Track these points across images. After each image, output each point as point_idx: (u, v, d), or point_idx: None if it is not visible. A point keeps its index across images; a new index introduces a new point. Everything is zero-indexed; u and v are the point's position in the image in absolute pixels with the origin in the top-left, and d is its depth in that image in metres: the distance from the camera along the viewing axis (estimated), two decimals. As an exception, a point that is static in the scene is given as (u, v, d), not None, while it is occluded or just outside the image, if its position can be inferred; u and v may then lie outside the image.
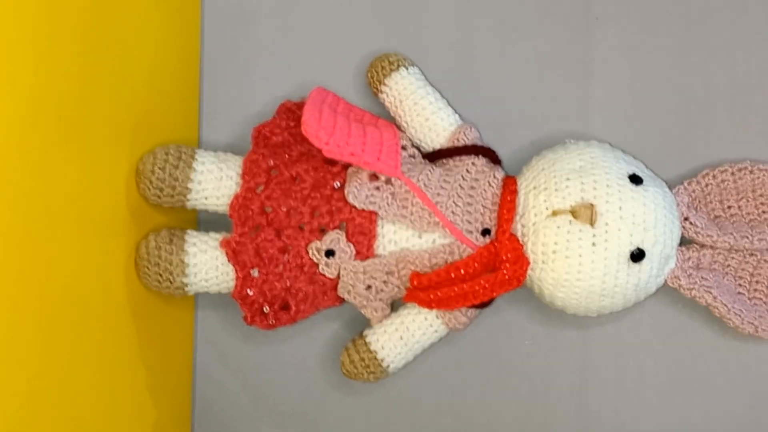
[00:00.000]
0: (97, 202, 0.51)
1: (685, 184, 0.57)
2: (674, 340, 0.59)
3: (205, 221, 0.62)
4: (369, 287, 0.55)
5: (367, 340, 0.57)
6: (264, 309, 0.55)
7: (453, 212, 0.54)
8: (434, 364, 0.61)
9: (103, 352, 0.52)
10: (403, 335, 0.56)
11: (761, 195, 0.57)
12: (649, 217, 0.52)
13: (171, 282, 0.55)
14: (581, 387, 0.60)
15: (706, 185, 0.57)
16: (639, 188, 0.53)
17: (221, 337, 0.62)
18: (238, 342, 0.62)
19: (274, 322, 0.55)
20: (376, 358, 0.56)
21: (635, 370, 0.60)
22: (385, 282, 0.55)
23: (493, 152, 0.57)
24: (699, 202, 0.57)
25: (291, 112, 0.57)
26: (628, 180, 0.53)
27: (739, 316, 0.55)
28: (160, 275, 0.54)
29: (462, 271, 0.53)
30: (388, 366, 0.57)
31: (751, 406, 0.59)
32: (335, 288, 0.55)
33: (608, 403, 0.60)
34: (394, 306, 0.57)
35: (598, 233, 0.52)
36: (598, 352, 0.60)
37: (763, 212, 0.57)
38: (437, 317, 0.56)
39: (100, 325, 0.52)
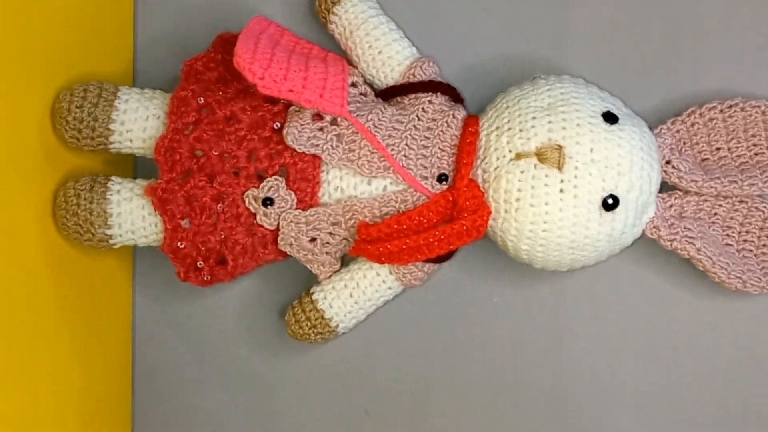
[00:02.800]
0: (10, 144, 0.46)
1: (669, 123, 0.52)
2: (654, 296, 0.55)
3: (144, 167, 0.57)
4: (313, 240, 0.50)
5: (314, 297, 0.52)
6: (198, 264, 0.50)
7: (406, 156, 0.49)
8: (393, 322, 0.57)
9: (27, 313, 0.48)
10: (353, 292, 0.52)
11: (753, 135, 0.51)
12: (624, 159, 0.47)
13: (92, 234, 0.50)
14: (554, 347, 0.56)
15: (692, 124, 0.52)
16: (614, 127, 0.47)
17: (161, 292, 0.58)
18: (180, 297, 0.58)
19: (210, 278, 0.50)
20: (323, 318, 0.52)
21: (612, 328, 0.56)
22: (331, 234, 0.50)
23: (454, 89, 0.51)
24: (684, 143, 0.52)
25: (229, 44, 0.51)
26: (601, 118, 0.47)
27: (725, 269, 0.50)
28: (80, 226, 0.50)
29: (415, 221, 0.48)
30: (336, 326, 0.52)
31: (737, 366, 0.55)
32: (277, 239, 0.49)
33: (584, 364, 0.56)
34: (345, 261, 0.53)
35: (566, 178, 0.47)
36: (572, 309, 0.56)
37: (756, 154, 0.52)
38: (390, 272, 0.51)
39: (22, 284, 0.47)
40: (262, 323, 0.57)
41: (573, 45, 0.54)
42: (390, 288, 0.52)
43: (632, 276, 0.55)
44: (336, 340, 0.55)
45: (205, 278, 0.50)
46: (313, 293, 0.52)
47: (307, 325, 0.52)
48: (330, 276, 0.52)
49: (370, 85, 0.52)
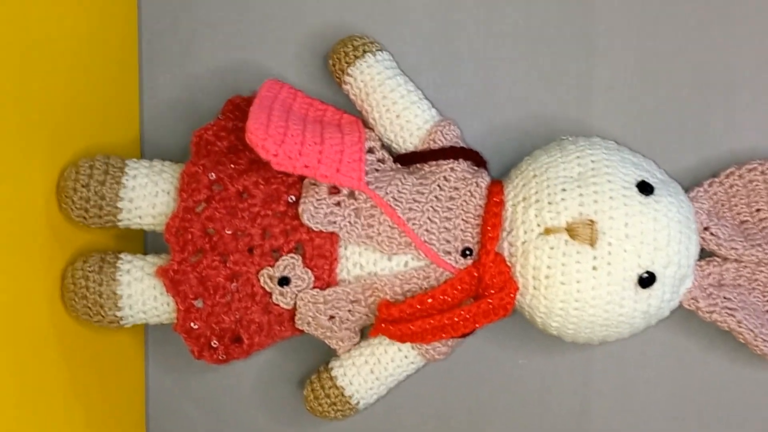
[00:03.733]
0: (16, 221, 0.44)
1: (706, 185, 0.49)
2: (688, 363, 0.53)
3: (155, 239, 0.55)
4: (332, 318, 0.48)
5: (333, 374, 0.50)
6: (212, 343, 0.48)
7: (428, 230, 0.46)
8: (415, 387, 0.54)
9: (38, 392, 0.46)
10: (374, 368, 0.50)
11: (796, 196, 0.49)
12: (661, 234, 0.44)
13: (103, 316, 0.48)
14: (582, 413, 0.54)
15: (731, 186, 0.49)
16: (649, 199, 0.45)
17: (175, 363, 0.56)
18: (194, 369, 0.55)
19: (224, 357, 0.48)
20: (343, 395, 0.50)
21: (643, 395, 0.53)
22: (350, 311, 0.48)
23: (477, 154, 0.49)
24: (722, 206, 0.49)
25: (239, 109, 0.49)
26: (635, 189, 0.45)
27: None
28: (89, 309, 0.48)
29: (439, 300, 0.46)
30: (357, 403, 0.50)
31: None
32: (294, 317, 0.48)
33: (613, 430, 0.54)
34: (364, 332, 0.50)
35: (599, 255, 0.44)
36: (601, 373, 0.54)
37: (798, 216, 0.49)
38: (412, 347, 0.49)
39: (31, 363, 0.46)
40: (279, 394, 0.55)
41: (598, 99, 0.52)
42: (412, 363, 0.50)
43: (665, 340, 0.52)
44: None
45: (220, 357, 0.48)
46: (332, 369, 0.50)
47: (326, 402, 0.50)
48: (349, 350, 0.50)
49: (388, 149, 0.50)
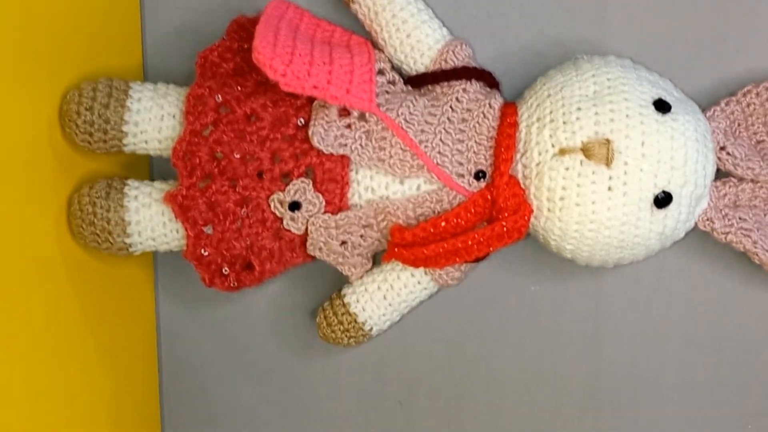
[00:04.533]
0: (19, 148, 0.43)
1: (722, 104, 0.48)
2: (703, 283, 0.52)
3: (162, 165, 0.54)
4: (344, 243, 0.47)
5: (346, 300, 0.49)
6: (223, 270, 0.47)
7: (440, 152, 0.45)
8: (426, 313, 0.54)
9: (49, 322, 0.46)
10: (387, 294, 0.49)
11: (814, 115, 0.48)
12: (678, 152, 0.43)
13: (111, 243, 0.47)
14: (595, 337, 0.53)
15: (748, 105, 0.48)
16: (666, 117, 0.44)
17: (185, 289, 0.55)
18: (205, 297, 0.55)
19: (236, 284, 0.48)
20: (356, 321, 0.49)
21: (656, 318, 0.53)
22: (362, 236, 0.47)
23: (489, 74, 0.48)
24: (739, 125, 0.48)
25: (245, 29, 0.48)
26: (652, 107, 0.44)
27: None
28: (98, 235, 0.47)
29: (452, 224, 0.45)
30: (371, 329, 0.50)
31: None
32: (305, 243, 0.47)
33: (626, 354, 0.53)
34: (377, 258, 0.50)
35: (615, 175, 0.43)
36: (613, 297, 0.53)
37: (816, 135, 0.48)
38: (426, 273, 0.49)
39: (41, 294, 0.45)
40: (292, 322, 0.55)
41: (613, 18, 0.50)
42: (425, 289, 0.49)
43: (679, 263, 0.52)
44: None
45: (232, 284, 0.48)
46: (344, 295, 0.50)
47: (339, 328, 0.50)
48: (362, 276, 0.49)
49: (398, 71, 0.48)
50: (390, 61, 0.48)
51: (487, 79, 0.47)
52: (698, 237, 0.49)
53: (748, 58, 0.49)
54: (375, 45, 0.48)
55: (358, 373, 0.55)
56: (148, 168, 0.54)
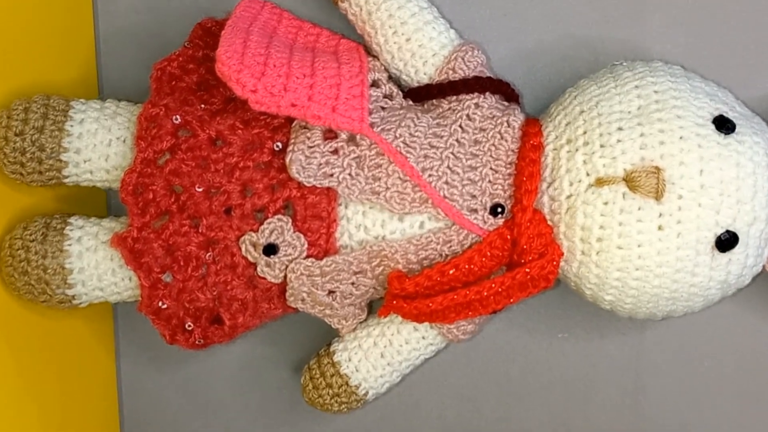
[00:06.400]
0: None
1: None
2: (764, 332, 0.46)
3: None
4: (331, 293, 0.40)
5: (336, 359, 0.43)
6: (186, 325, 0.41)
7: (448, 182, 0.39)
8: (436, 365, 0.48)
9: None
10: (385, 352, 0.43)
11: None
12: (746, 182, 0.37)
13: (50, 295, 0.41)
14: (635, 394, 0.48)
15: (824, 120, 0.40)
16: (730, 139, 0.37)
17: (150, 341, 0.48)
18: (172, 354, 0.48)
19: (202, 341, 0.41)
20: (348, 384, 0.43)
21: (708, 373, 0.48)
22: (353, 284, 0.40)
23: (507, 85, 0.41)
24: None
25: (210, 35, 0.42)
26: (712, 126, 0.37)
27: None
28: (33, 286, 0.41)
29: (464, 270, 0.38)
30: (365, 393, 0.43)
31: None
32: (285, 293, 0.40)
33: (672, 416, 0.48)
34: (373, 306, 0.44)
35: (667, 211, 0.37)
36: (658, 346, 0.48)
37: None
38: (431, 327, 0.42)
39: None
40: (275, 378, 0.49)
41: (655, 15, 0.45)
42: (431, 344, 0.43)
43: (735, 307, 0.46)
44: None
45: (197, 341, 0.41)
46: (334, 353, 0.43)
47: (328, 393, 0.43)
48: (355, 329, 0.42)
49: (397, 82, 0.42)
50: (387, 70, 0.42)
51: (504, 91, 0.41)
52: (761, 278, 0.42)
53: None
54: (369, 51, 0.42)
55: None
56: (105, 200, 0.48)
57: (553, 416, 0.49)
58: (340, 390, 0.43)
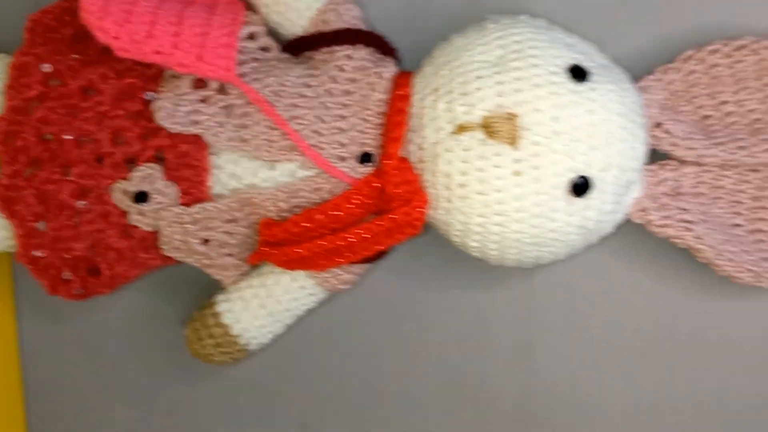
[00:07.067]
0: None
1: (659, 73, 0.41)
2: (648, 286, 0.46)
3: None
4: (207, 242, 0.40)
5: (217, 309, 0.43)
6: (64, 275, 0.41)
7: (317, 131, 0.39)
8: (331, 319, 0.48)
9: None
10: (266, 302, 0.42)
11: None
12: (599, 129, 0.37)
13: None
14: (526, 348, 0.48)
15: (690, 73, 0.41)
16: (584, 86, 0.37)
17: (48, 301, 0.47)
18: (68, 305, 0.47)
19: (83, 291, 0.41)
20: (229, 334, 0.43)
21: (596, 326, 0.47)
22: (228, 233, 0.40)
23: (381, 39, 0.41)
24: (680, 98, 0.41)
25: None
26: (567, 75, 0.37)
27: (733, 261, 0.40)
28: None
29: (331, 217, 0.39)
30: (247, 344, 0.43)
31: (748, 373, 0.46)
32: None
33: (562, 368, 0.48)
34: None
35: (523, 157, 0.37)
36: (547, 302, 0.48)
37: (773, 108, 0.41)
38: (309, 276, 0.42)
39: None
40: (178, 333, 0.48)
41: None
42: (311, 294, 0.43)
43: (622, 263, 0.46)
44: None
45: (77, 292, 0.41)
46: (216, 303, 0.43)
47: (210, 343, 0.43)
48: (237, 281, 0.42)
49: (276, 37, 0.42)
50: (266, 24, 0.41)
51: (378, 44, 0.41)
52: (644, 232, 0.43)
53: (690, 17, 0.43)
54: (249, 6, 0.41)
55: (254, 392, 0.50)
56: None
57: (448, 372, 0.49)
58: (222, 340, 0.43)
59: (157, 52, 0.37)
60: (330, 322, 0.48)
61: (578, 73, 0.37)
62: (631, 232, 0.43)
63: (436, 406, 0.49)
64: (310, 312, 0.45)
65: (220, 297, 0.43)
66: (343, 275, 0.42)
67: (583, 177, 0.37)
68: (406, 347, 0.49)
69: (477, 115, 0.37)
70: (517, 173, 0.37)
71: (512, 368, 0.48)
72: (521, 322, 0.48)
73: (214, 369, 0.48)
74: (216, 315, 0.43)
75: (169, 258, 0.41)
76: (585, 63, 0.38)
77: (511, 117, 0.36)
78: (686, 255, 0.42)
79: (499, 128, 0.36)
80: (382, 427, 0.50)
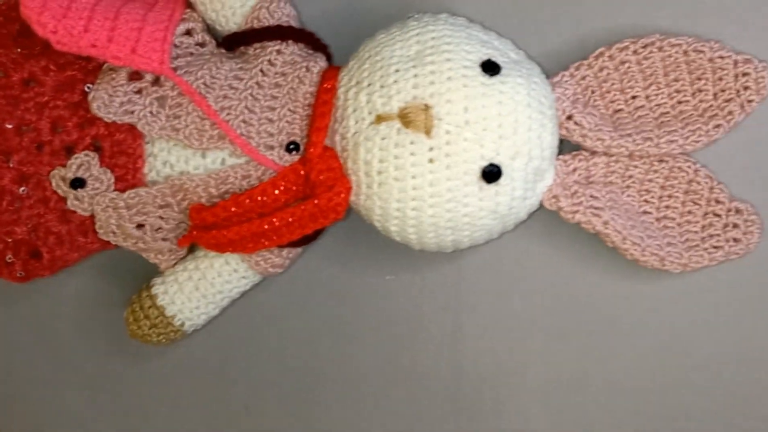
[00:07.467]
0: None
1: (572, 69, 0.43)
2: (567, 272, 0.48)
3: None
4: (141, 226, 0.42)
5: (153, 292, 0.44)
6: (7, 258, 0.42)
7: (245, 121, 0.41)
8: (270, 305, 0.49)
9: None
10: (200, 284, 0.44)
11: (675, 80, 0.43)
12: (507, 119, 0.39)
13: None
14: (455, 331, 0.49)
15: (601, 69, 0.43)
16: (494, 79, 0.39)
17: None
18: (14, 288, 0.48)
19: (24, 274, 0.43)
20: (164, 315, 0.44)
21: (520, 310, 0.49)
22: (162, 218, 0.42)
23: (311, 35, 0.43)
24: (592, 93, 0.43)
25: None
26: (479, 69, 0.39)
27: (639, 245, 0.42)
28: None
29: (258, 202, 0.40)
30: (182, 324, 0.45)
31: (658, 353, 0.47)
32: None
33: (488, 350, 0.49)
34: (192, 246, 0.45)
35: (436, 145, 0.39)
36: (474, 287, 0.49)
37: (679, 102, 0.43)
38: (241, 259, 0.43)
39: None
40: (120, 314, 0.49)
41: None
42: (244, 278, 0.44)
43: (542, 248, 0.47)
44: (208, 328, 0.47)
45: (19, 274, 0.42)
46: (152, 286, 0.44)
47: (146, 324, 0.44)
48: (174, 265, 0.44)
49: (213, 33, 0.43)
50: (204, 21, 0.43)
51: (308, 40, 0.42)
52: (559, 219, 0.44)
53: (603, 17, 0.45)
54: (188, 4, 0.43)
55: (198, 375, 0.50)
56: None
57: (383, 356, 0.50)
58: (157, 320, 0.44)
59: (93, 46, 0.38)
60: (268, 307, 0.49)
61: (490, 68, 0.39)
62: (553, 220, 0.44)
63: (371, 387, 0.50)
64: (251, 297, 0.46)
65: (156, 280, 0.44)
66: (273, 259, 0.43)
67: (493, 164, 0.38)
68: (342, 331, 0.50)
69: (394, 106, 0.39)
70: (431, 160, 0.38)
71: (442, 349, 0.49)
72: (451, 306, 0.49)
73: (160, 352, 0.49)
74: (152, 297, 0.44)
75: (107, 242, 0.42)
76: (498, 58, 0.39)
77: (426, 108, 0.38)
78: (602, 242, 0.44)
79: (415, 118, 0.38)
80: (321, 408, 0.50)
